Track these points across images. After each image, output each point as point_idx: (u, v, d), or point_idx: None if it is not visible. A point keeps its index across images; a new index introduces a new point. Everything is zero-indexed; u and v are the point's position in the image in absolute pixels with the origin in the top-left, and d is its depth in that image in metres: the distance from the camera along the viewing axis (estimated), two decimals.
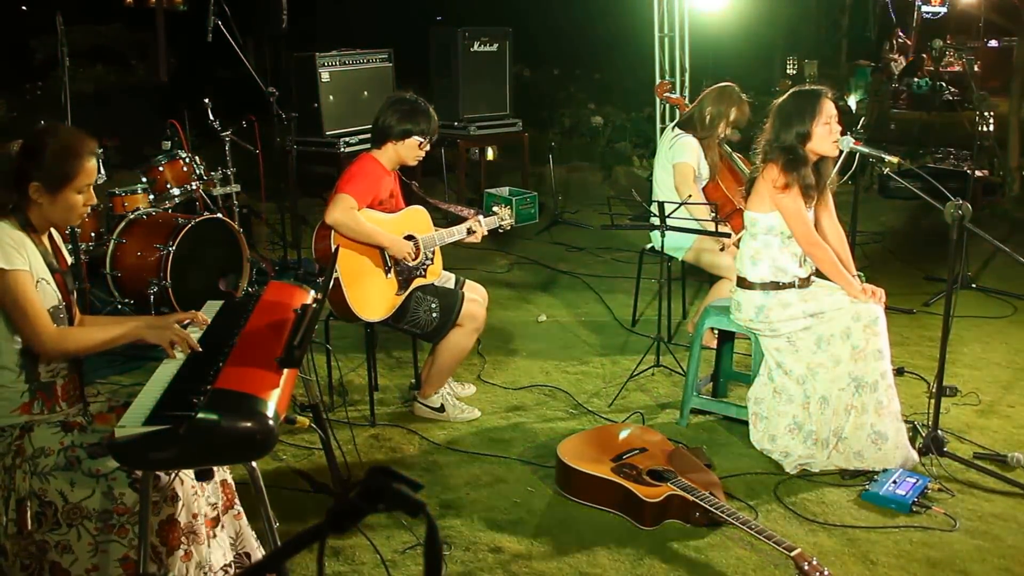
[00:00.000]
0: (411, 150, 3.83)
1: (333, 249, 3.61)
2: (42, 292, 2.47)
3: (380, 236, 3.73)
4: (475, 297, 3.98)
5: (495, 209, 4.18)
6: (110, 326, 2.59)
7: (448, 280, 4.11)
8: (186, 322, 2.68)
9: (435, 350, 3.96)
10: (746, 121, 4.79)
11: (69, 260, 2.72)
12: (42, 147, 2.47)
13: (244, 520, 2.69)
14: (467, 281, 4.16)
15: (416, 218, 3.98)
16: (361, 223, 3.67)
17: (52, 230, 2.63)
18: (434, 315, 3.83)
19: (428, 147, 3.88)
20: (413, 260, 3.84)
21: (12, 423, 2.43)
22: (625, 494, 3.20)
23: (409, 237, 3.84)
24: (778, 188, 3.50)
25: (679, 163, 4.67)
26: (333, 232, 3.67)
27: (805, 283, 3.63)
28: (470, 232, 4.02)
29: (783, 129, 3.58)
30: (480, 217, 4.07)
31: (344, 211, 3.63)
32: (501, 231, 4.23)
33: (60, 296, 2.55)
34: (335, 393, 4.22)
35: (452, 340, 3.87)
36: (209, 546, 2.48)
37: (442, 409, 4.02)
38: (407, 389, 4.29)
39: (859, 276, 3.68)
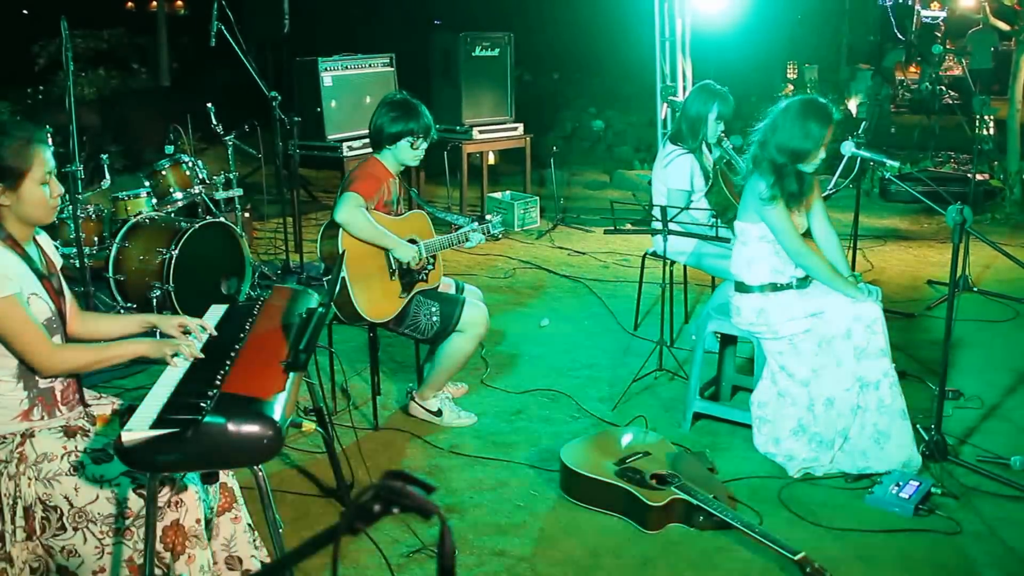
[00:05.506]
0: (405, 151, 3.85)
1: (340, 251, 3.61)
2: (35, 307, 2.42)
3: (386, 238, 3.74)
4: (476, 303, 3.99)
5: (488, 217, 4.18)
6: (108, 346, 2.54)
7: (450, 286, 4.12)
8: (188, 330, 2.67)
9: (436, 353, 3.97)
10: (731, 112, 4.75)
11: (58, 262, 2.67)
12: None
13: (241, 524, 2.65)
14: (467, 287, 4.17)
15: (418, 223, 3.99)
16: (370, 222, 3.68)
17: (35, 235, 2.56)
18: (434, 319, 3.83)
19: (424, 145, 3.89)
20: (416, 264, 3.85)
21: (13, 430, 2.42)
22: (629, 498, 3.21)
23: (412, 241, 3.86)
24: (763, 200, 3.51)
25: (672, 190, 4.64)
26: (340, 231, 3.67)
27: (803, 282, 3.64)
28: (467, 239, 4.04)
29: (781, 143, 3.52)
30: (477, 224, 4.09)
31: (352, 209, 3.63)
32: (499, 237, 4.26)
33: (52, 304, 2.51)
34: (338, 397, 4.23)
35: (453, 345, 3.88)
36: (211, 547, 2.47)
37: (439, 413, 4.02)
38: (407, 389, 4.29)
39: (855, 276, 3.68)
